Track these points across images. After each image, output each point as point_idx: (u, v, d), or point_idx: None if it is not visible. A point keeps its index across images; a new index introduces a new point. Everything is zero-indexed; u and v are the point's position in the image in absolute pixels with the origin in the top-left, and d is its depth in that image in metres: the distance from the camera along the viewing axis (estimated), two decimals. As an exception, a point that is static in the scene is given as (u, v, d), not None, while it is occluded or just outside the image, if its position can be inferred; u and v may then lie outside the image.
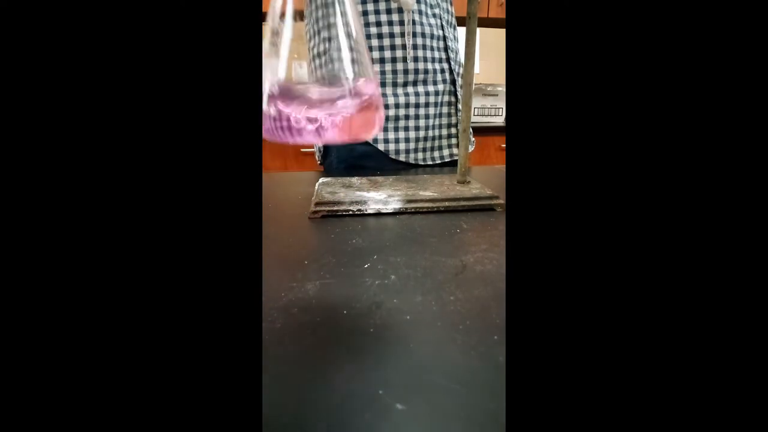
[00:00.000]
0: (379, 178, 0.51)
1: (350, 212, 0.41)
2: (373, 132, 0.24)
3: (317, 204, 0.41)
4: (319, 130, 0.21)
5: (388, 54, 0.62)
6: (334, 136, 0.22)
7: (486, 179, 0.56)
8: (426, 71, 0.64)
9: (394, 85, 0.63)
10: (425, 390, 0.17)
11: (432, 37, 0.64)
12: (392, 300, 0.24)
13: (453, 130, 0.70)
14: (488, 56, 1.69)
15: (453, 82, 0.68)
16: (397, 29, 0.61)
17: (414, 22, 0.61)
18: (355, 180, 0.50)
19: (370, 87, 0.23)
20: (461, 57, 0.72)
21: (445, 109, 0.68)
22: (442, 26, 0.66)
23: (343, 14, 0.22)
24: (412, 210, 0.41)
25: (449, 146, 0.70)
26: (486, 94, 1.70)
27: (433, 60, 0.65)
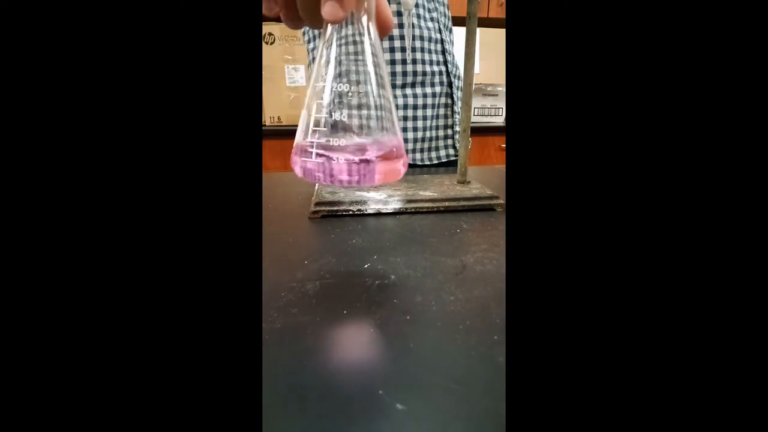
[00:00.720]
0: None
1: (350, 212, 0.41)
2: (399, 177, 0.27)
3: (317, 204, 0.41)
4: (354, 178, 0.25)
5: (386, 56, 0.62)
6: (365, 182, 0.25)
7: (486, 179, 0.56)
8: (424, 73, 0.65)
9: (393, 87, 0.64)
10: (425, 390, 0.17)
11: (430, 40, 0.65)
12: (392, 300, 0.24)
13: (449, 131, 0.71)
14: (488, 56, 1.69)
15: (450, 85, 0.69)
16: (395, 32, 0.61)
17: (412, 26, 0.62)
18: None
19: (396, 138, 0.27)
20: (460, 58, 0.73)
21: (441, 111, 0.69)
22: (439, 29, 0.67)
23: (376, 65, 0.25)
24: (412, 210, 0.41)
25: (446, 147, 0.71)
26: (486, 94, 1.70)
27: (431, 62, 0.65)
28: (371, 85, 0.25)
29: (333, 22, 0.22)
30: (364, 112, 0.25)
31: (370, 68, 0.24)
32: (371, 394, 0.16)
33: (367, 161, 0.25)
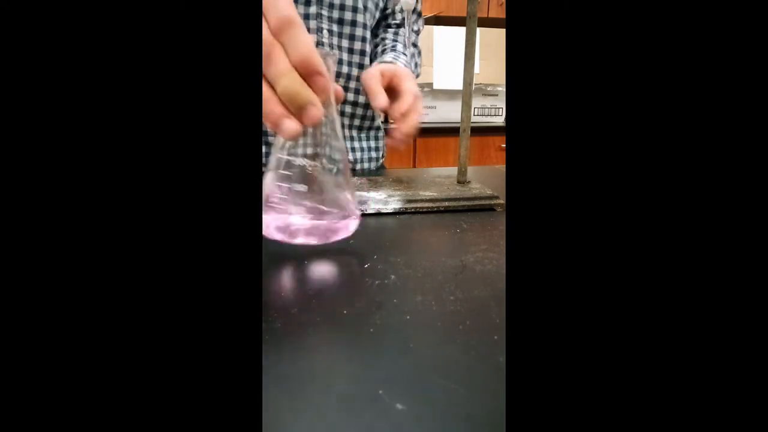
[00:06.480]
0: (379, 178, 0.51)
1: (350, 212, 0.40)
2: (349, 234, 0.31)
3: (317, 204, 0.41)
4: (310, 237, 0.30)
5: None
6: (319, 241, 0.30)
7: (486, 179, 0.56)
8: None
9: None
10: (425, 390, 0.17)
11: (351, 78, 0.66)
12: (392, 300, 0.24)
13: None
14: (488, 56, 1.69)
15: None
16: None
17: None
18: (355, 180, 0.50)
19: (350, 202, 0.31)
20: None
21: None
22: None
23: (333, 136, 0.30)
24: (412, 210, 0.41)
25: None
26: (486, 94, 1.70)
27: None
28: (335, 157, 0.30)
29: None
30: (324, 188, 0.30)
31: (332, 140, 0.29)
32: (371, 394, 0.16)
33: (324, 227, 0.29)
